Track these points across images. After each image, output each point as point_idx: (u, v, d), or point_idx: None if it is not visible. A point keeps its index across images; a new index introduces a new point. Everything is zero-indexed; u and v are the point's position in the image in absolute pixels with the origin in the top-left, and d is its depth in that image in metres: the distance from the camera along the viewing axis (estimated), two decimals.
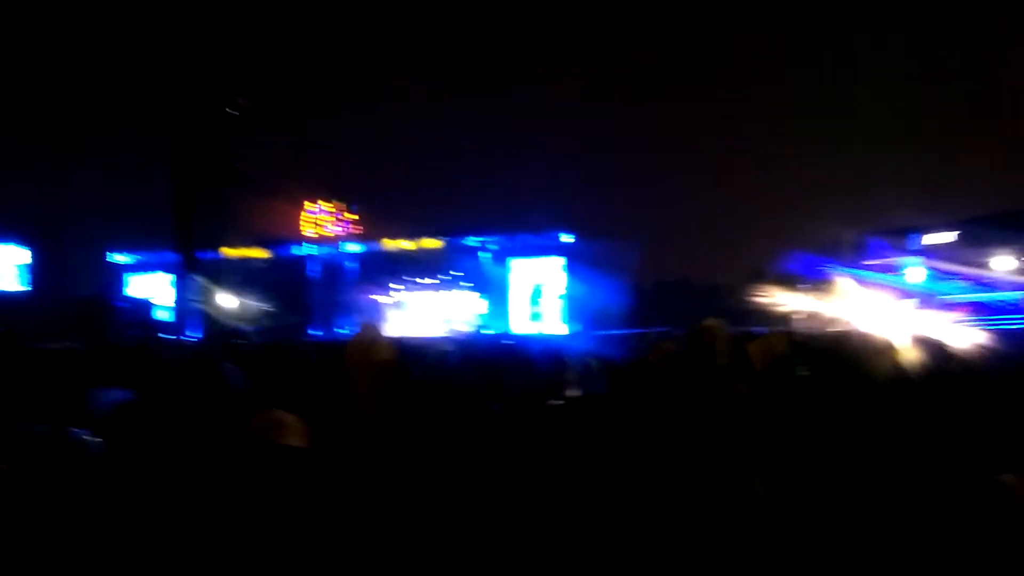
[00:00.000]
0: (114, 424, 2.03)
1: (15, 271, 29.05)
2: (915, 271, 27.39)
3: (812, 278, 22.48)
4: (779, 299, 14.57)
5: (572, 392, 2.59)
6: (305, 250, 34.02)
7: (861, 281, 22.13)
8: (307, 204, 42.29)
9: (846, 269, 24.57)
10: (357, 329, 2.67)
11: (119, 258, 34.35)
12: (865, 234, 30.73)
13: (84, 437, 1.98)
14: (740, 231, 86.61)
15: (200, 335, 25.45)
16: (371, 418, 2.30)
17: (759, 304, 14.62)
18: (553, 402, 2.53)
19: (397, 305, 32.50)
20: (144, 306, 30.92)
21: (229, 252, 32.80)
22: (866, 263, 27.46)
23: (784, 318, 18.20)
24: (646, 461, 2.22)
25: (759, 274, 24.84)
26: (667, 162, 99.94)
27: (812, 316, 17.13)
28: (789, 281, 19.68)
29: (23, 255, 28.97)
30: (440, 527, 2.06)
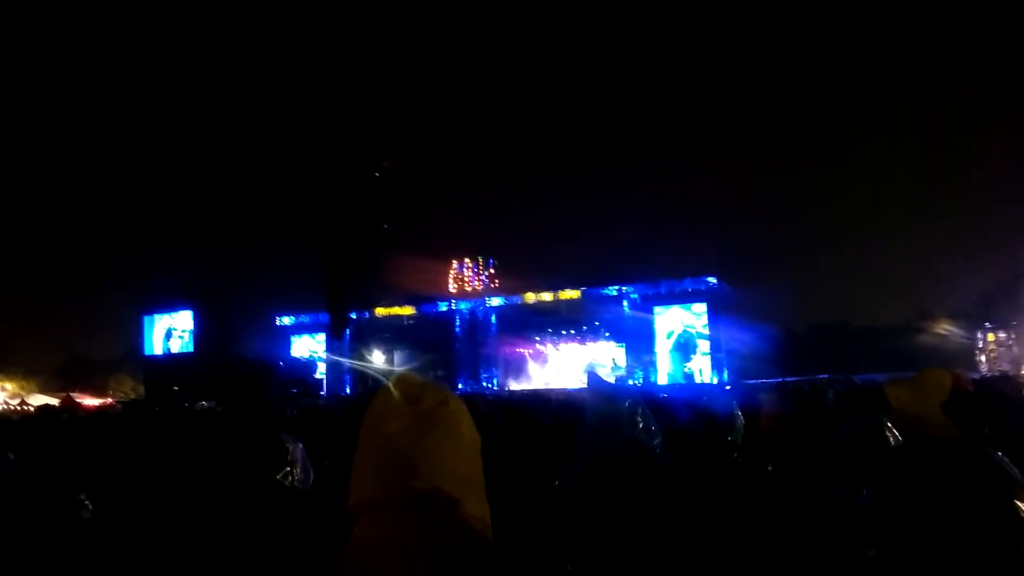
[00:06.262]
0: None
1: (186, 336, 32.28)
2: None
3: (996, 314, 19.66)
4: (958, 337, 12.85)
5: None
6: (450, 306, 34.93)
7: None
8: (451, 261, 43.76)
9: None
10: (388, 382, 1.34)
11: (284, 320, 36.96)
12: None
13: None
14: (901, 269, 79.51)
15: (352, 392, 26.52)
16: None
17: (931, 344, 12.93)
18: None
19: (539, 357, 32.34)
20: (305, 365, 32.88)
21: (379, 311, 34.34)
22: None
23: (967, 358, 16.06)
24: None
25: (925, 313, 22.07)
26: (818, 197, 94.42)
27: (1001, 355, 15.06)
28: (969, 317, 17.33)
29: (191, 320, 32.32)
30: None
